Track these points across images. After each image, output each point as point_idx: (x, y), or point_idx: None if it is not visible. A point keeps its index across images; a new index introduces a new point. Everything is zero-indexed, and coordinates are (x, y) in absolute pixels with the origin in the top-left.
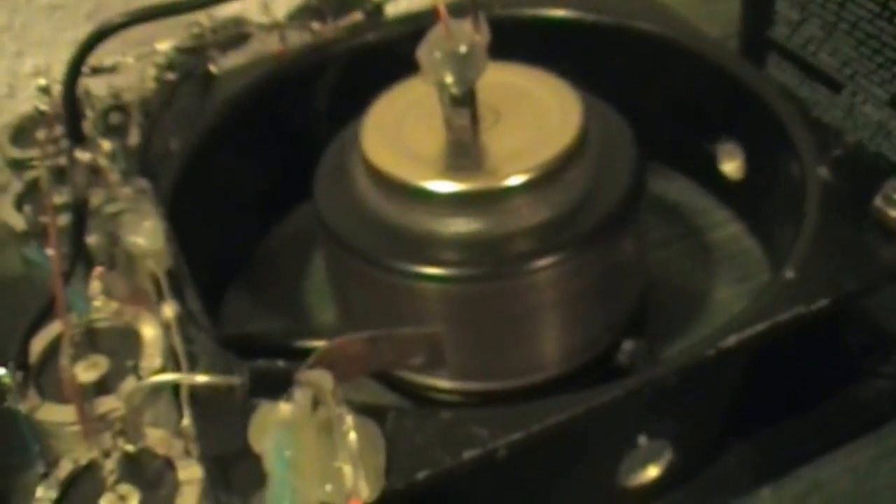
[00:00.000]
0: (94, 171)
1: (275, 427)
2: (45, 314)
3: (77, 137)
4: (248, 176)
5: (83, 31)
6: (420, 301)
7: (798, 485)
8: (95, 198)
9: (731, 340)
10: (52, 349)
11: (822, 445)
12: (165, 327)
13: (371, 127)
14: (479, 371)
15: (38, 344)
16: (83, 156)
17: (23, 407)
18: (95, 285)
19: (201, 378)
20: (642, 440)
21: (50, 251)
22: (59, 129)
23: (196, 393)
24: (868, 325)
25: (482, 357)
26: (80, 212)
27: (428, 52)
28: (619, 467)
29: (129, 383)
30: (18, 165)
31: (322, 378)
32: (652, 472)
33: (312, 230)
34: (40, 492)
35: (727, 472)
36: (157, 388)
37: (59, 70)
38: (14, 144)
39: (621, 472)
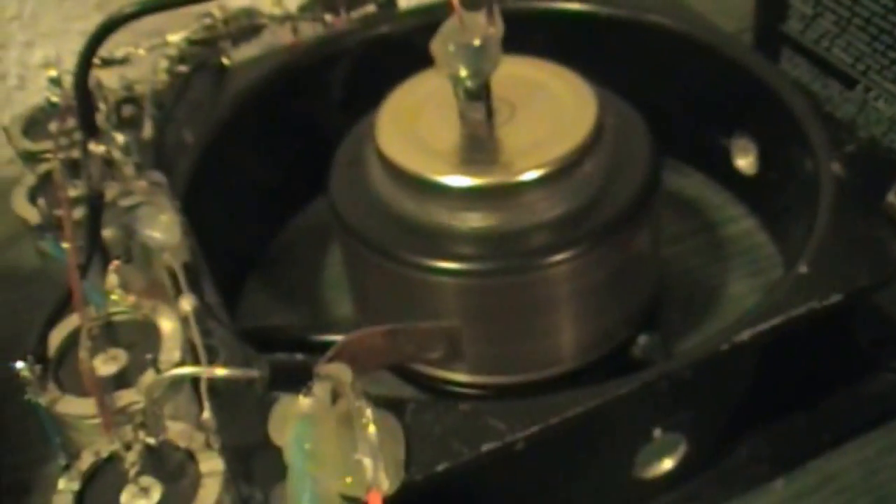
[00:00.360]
0: (109, 163)
1: (294, 420)
2: (63, 307)
3: (90, 130)
4: (263, 168)
5: (93, 21)
6: (436, 295)
7: (810, 477)
8: (110, 191)
9: (745, 335)
10: (71, 342)
11: (833, 438)
12: (183, 321)
13: (386, 120)
14: (496, 365)
15: (56, 337)
16: (97, 149)
17: (43, 400)
18: (112, 279)
19: (221, 371)
20: (657, 433)
21: (65, 244)
22: (71, 121)
23: (216, 386)
24: (879, 318)
25: (498, 351)
26: (96, 205)
27: (442, 44)
28: (634, 459)
29: (149, 376)
30: (31, 158)
31: (341, 371)
32: (666, 463)
33: (328, 223)
34: (62, 484)
35: (740, 464)
36: (177, 381)
37: (69, 61)
38: (26, 136)
39: (637, 464)
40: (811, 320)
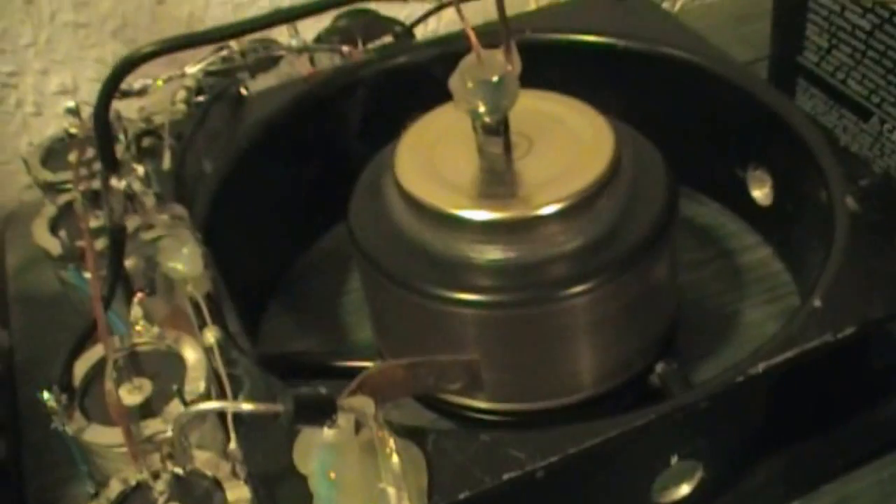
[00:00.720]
0: (130, 198)
1: (319, 449)
2: (87, 337)
3: (111, 166)
4: (282, 196)
5: (109, 49)
6: (456, 324)
7: (825, 499)
8: (132, 223)
9: (760, 367)
10: (96, 372)
11: (848, 462)
12: (207, 351)
13: (405, 153)
14: (515, 392)
15: (81, 367)
16: (118, 184)
17: (69, 429)
18: (137, 311)
19: (247, 406)
20: (674, 460)
21: (88, 275)
22: (90, 151)
23: (241, 415)
24: (893, 345)
25: (518, 378)
26: (118, 238)
27: (460, 81)
28: (651, 486)
29: (175, 407)
30: (51, 189)
31: (364, 404)
32: (684, 489)
33: (347, 249)
34: None
35: (756, 488)
36: (203, 414)
37: (85, 88)
38: (45, 167)
39: (654, 491)
40: (825, 352)
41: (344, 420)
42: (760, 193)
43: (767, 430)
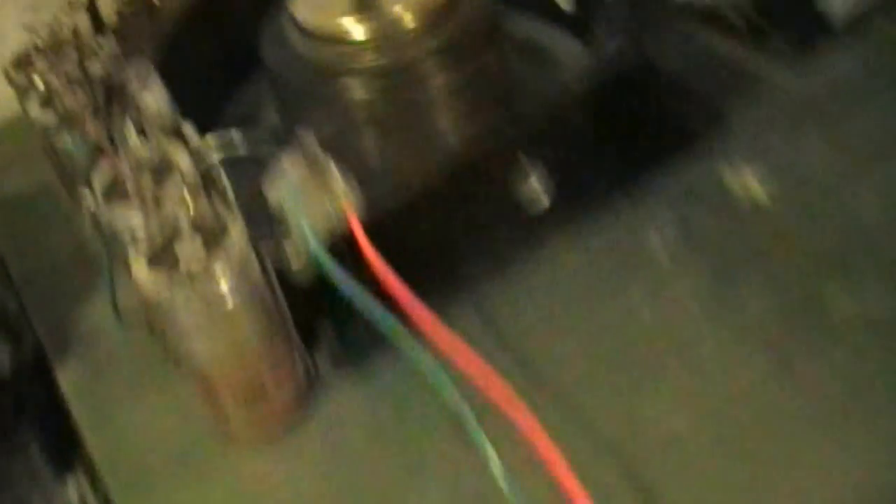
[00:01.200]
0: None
1: (283, 175)
2: (96, 158)
3: (99, 27)
4: (203, 62)
5: (26, 17)
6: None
7: (648, 197)
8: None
9: (574, 87)
10: (110, 188)
11: (651, 161)
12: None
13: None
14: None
15: (98, 183)
16: (107, 44)
17: (103, 216)
18: (130, 128)
19: (249, 140)
20: (524, 160)
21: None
22: (53, 57)
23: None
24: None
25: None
26: (109, 92)
27: None
28: (512, 184)
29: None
30: (30, 85)
31: (311, 137)
32: (534, 183)
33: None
34: (133, 259)
35: (588, 185)
36: (221, 153)
37: (13, 37)
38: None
39: (516, 190)
40: (619, 81)
41: (299, 149)
42: (563, 1)
43: (590, 140)
